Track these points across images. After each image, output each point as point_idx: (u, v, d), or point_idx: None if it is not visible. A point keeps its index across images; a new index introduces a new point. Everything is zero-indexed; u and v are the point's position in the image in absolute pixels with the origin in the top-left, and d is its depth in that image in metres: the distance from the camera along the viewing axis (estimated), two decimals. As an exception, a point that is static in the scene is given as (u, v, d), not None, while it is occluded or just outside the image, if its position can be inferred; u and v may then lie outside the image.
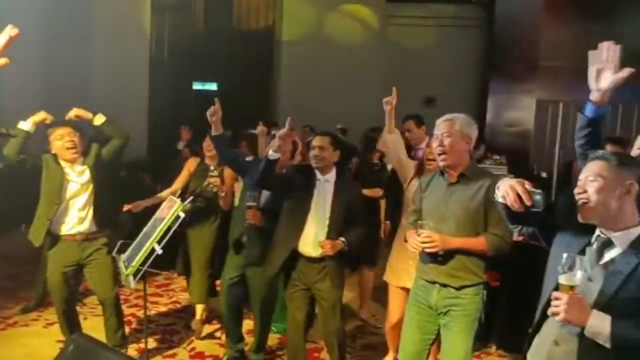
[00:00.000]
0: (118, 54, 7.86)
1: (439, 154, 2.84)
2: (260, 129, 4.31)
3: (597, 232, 1.99)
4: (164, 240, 2.44)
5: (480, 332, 2.96)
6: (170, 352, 4.16)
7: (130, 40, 8.19)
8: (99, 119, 3.74)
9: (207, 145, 4.34)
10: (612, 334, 1.81)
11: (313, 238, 3.41)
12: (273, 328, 4.25)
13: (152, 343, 4.25)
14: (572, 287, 1.85)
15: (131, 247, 2.76)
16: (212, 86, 9.93)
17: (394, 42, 8.76)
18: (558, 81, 8.47)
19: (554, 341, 2.01)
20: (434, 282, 2.90)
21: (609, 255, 1.94)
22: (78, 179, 3.69)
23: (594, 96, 2.14)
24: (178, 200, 2.40)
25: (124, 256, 3.51)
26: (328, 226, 3.41)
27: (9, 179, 6.21)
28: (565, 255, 1.88)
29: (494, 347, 4.31)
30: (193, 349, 4.22)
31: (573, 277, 1.85)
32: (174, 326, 4.61)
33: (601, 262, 1.95)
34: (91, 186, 3.70)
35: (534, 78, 8.07)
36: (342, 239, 3.40)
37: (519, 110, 8.10)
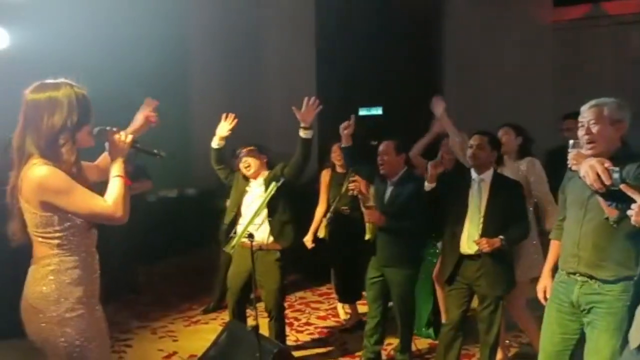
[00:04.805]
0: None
1: (587, 143, 2.61)
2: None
3: None
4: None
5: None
6: (323, 349, 4.58)
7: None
8: (307, 133, 3.82)
9: (336, 155, 4.81)
10: None
11: (468, 236, 3.53)
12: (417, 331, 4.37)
13: (310, 343, 4.71)
14: None
15: (238, 225, 3.63)
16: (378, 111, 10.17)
17: (564, 42, 8.50)
18: None
19: None
20: (575, 274, 2.71)
21: None
22: (255, 191, 4.01)
23: None
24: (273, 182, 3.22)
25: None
26: (482, 224, 3.49)
27: (199, 202, 7.27)
28: None
29: None
30: (345, 349, 4.57)
31: None
32: (330, 329, 5.01)
33: None
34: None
35: None
36: (501, 236, 3.44)
37: None
